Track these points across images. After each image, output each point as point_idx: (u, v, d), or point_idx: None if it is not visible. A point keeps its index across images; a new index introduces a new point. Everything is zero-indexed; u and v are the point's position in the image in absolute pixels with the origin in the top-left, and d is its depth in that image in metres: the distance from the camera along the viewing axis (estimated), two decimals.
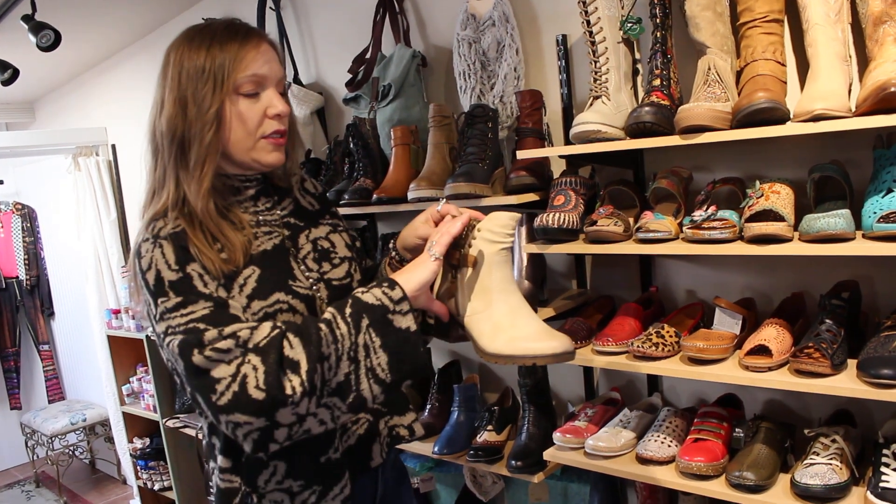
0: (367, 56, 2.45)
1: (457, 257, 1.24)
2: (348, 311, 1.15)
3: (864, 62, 1.45)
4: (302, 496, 1.28)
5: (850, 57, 1.51)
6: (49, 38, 2.82)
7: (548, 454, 1.89)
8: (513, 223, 1.23)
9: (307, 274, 1.32)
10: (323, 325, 1.14)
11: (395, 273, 1.23)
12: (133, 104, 4.03)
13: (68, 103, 4.81)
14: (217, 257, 1.20)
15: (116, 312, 3.70)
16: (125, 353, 3.86)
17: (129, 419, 3.88)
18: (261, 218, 1.34)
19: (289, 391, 1.09)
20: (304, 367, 1.10)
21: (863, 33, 1.44)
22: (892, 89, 1.26)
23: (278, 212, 1.37)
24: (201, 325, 1.12)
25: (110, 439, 4.91)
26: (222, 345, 1.10)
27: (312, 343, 1.11)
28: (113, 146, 4.11)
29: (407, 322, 1.17)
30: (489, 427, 2.13)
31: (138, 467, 3.79)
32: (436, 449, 2.14)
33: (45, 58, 3.22)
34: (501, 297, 1.21)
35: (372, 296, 1.17)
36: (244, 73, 1.23)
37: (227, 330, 1.12)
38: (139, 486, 3.87)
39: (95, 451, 5.19)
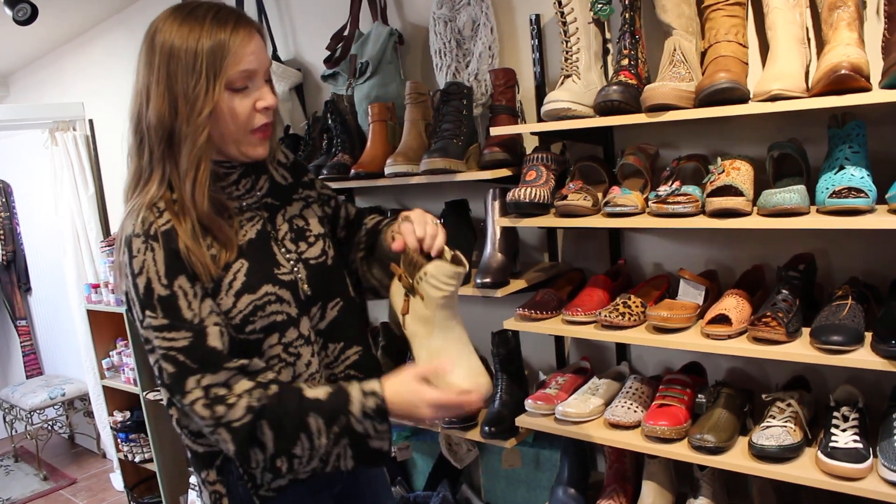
0: (345, 33, 2.48)
1: (410, 284, 1.31)
2: (335, 429, 1.23)
3: (822, 45, 1.52)
4: None
5: (809, 39, 1.58)
6: (26, 12, 2.82)
7: (520, 420, 1.97)
8: (455, 277, 1.28)
9: (287, 256, 1.36)
10: (303, 437, 1.22)
11: (392, 393, 1.25)
12: (111, 79, 4.03)
13: (44, 77, 4.78)
14: (206, 257, 1.24)
15: (96, 287, 3.72)
16: (105, 328, 3.88)
17: (110, 392, 3.90)
18: (243, 204, 1.35)
19: (253, 464, 1.24)
20: (269, 452, 1.22)
21: (819, 17, 1.51)
22: (843, 72, 1.33)
23: (257, 193, 1.38)
24: (181, 357, 1.20)
25: (89, 413, 4.94)
26: (199, 409, 1.20)
27: (285, 443, 1.22)
28: (90, 121, 4.10)
29: (382, 444, 1.27)
30: None
31: (119, 440, 3.82)
32: None
33: (19, 30, 3.19)
34: (440, 332, 1.32)
35: (361, 426, 1.24)
36: (236, 69, 1.22)
37: (205, 381, 1.20)
38: (120, 459, 3.90)
39: (75, 426, 5.23)
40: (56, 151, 4.16)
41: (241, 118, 1.25)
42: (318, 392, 1.25)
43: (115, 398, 3.91)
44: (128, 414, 3.83)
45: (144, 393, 3.48)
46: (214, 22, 1.22)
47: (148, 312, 1.21)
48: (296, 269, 1.35)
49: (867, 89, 1.36)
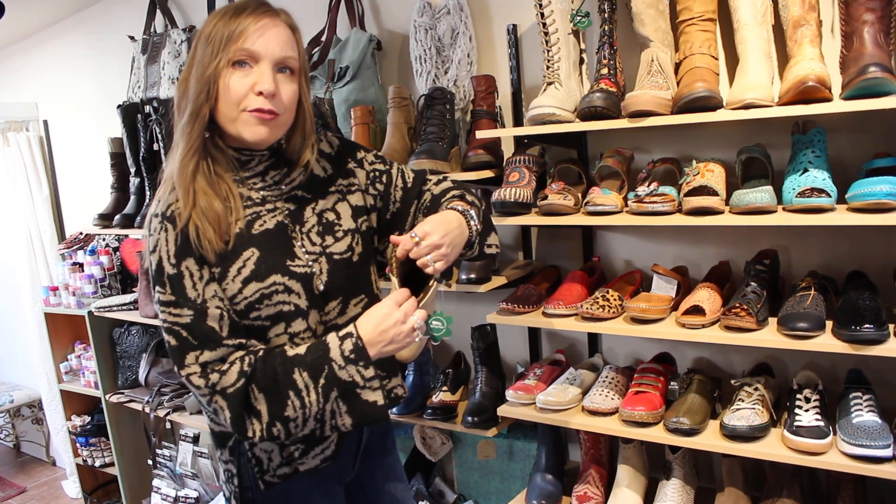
0: (323, 38, 2.54)
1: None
2: (322, 381, 1.26)
3: (783, 59, 1.67)
4: (288, 449, 1.41)
5: (772, 54, 1.73)
6: None
7: (501, 410, 2.06)
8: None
9: (308, 250, 1.38)
10: (292, 394, 1.25)
11: (365, 325, 1.30)
12: (68, 81, 3.97)
13: None
14: (215, 237, 1.29)
15: (54, 289, 3.66)
16: (63, 331, 3.81)
17: (67, 397, 3.85)
18: (267, 195, 1.38)
19: (250, 434, 1.27)
20: (264, 419, 1.27)
21: (783, 34, 1.66)
22: (810, 83, 1.47)
23: (283, 187, 1.41)
24: (183, 333, 1.27)
25: (38, 420, 4.84)
26: (195, 380, 1.26)
27: (276, 405, 1.26)
28: (45, 122, 4.04)
29: (375, 396, 1.29)
30: (444, 388, 2.29)
31: (78, 445, 3.77)
32: (393, 409, 2.28)
33: None
34: None
35: (346, 372, 1.27)
36: (236, 45, 1.28)
37: (203, 358, 1.26)
38: (78, 464, 3.85)
39: (21, 434, 5.11)
40: (8, 152, 4.09)
41: (236, 95, 1.28)
42: (300, 349, 1.30)
43: (74, 402, 3.86)
44: (87, 418, 3.78)
45: (108, 396, 3.45)
46: (241, 9, 1.31)
47: (158, 288, 1.28)
48: (315, 263, 1.37)
49: (829, 100, 1.51)
